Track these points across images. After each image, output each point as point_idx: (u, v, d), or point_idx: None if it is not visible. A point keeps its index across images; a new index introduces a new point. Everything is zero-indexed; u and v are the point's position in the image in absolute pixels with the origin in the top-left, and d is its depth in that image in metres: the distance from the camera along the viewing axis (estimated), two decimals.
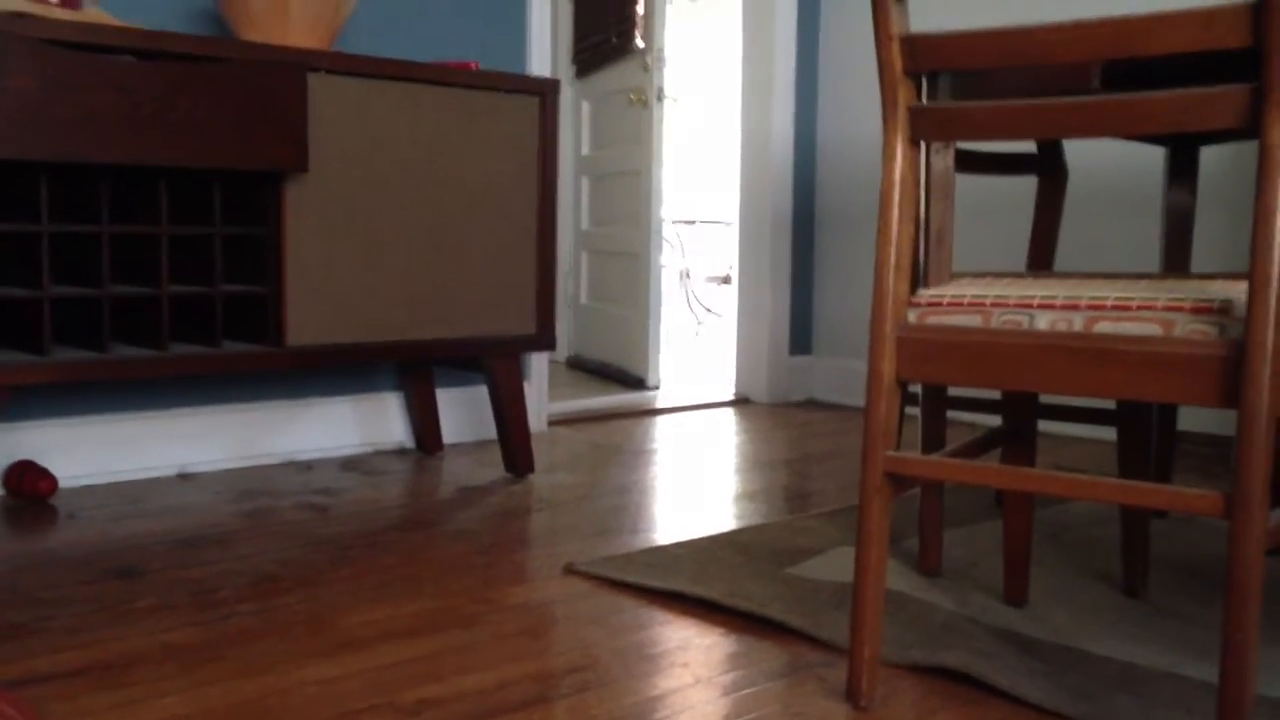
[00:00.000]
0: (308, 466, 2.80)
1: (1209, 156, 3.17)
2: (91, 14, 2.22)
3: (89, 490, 2.50)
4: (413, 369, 2.96)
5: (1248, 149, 3.10)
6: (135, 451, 2.63)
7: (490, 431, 3.23)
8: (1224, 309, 1.24)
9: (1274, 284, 1.17)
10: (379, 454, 2.97)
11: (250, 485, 2.58)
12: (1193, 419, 3.23)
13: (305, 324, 2.35)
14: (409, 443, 3.07)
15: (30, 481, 2.38)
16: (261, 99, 2.20)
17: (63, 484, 2.53)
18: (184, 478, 2.65)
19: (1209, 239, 3.18)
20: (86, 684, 1.46)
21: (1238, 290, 1.29)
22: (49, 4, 2.16)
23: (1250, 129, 1.19)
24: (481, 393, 3.20)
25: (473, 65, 2.61)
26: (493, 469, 2.82)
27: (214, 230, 2.26)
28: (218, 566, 1.97)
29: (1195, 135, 2.23)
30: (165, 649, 1.58)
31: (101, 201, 2.14)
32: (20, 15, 1.98)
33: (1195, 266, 3.20)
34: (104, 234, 2.14)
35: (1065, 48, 1.28)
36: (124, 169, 2.17)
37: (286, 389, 2.87)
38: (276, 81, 2.22)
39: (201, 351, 2.24)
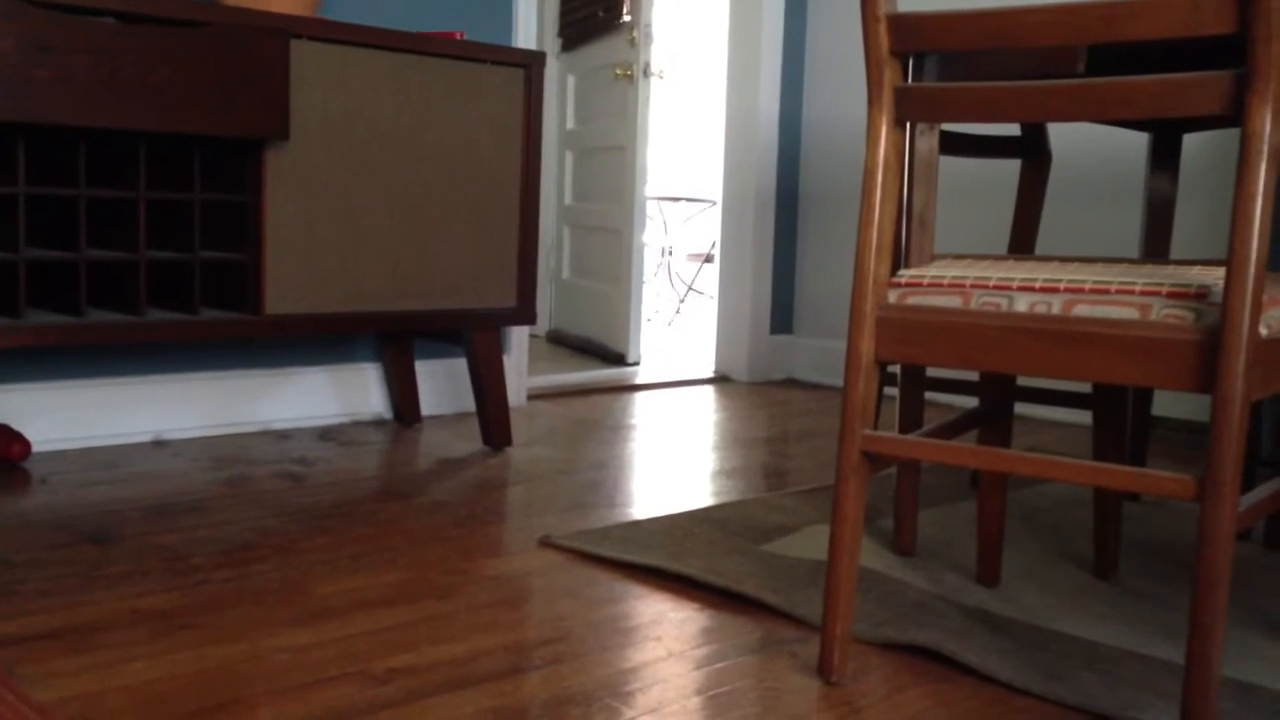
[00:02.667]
0: (284, 436, 2.79)
1: (1191, 144, 3.18)
2: None
3: (62, 455, 2.49)
4: (392, 340, 2.95)
5: (1229, 137, 3.11)
6: (110, 417, 2.62)
7: (469, 404, 3.22)
8: (1201, 294, 1.25)
9: (1251, 271, 1.17)
10: (356, 424, 2.96)
11: (226, 453, 2.57)
12: (1168, 404, 3.25)
13: (284, 293, 2.34)
14: (387, 414, 3.07)
15: (3, 445, 2.37)
16: (243, 65, 2.18)
17: (36, 448, 2.51)
18: (159, 444, 2.64)
19: (1189, 226, 3.19)
20: (57, 648, 1.45)
21: (1215, 276, 1.30)
22: None
23: (1233, 116, 1.19)
24: (461, 365, 3.20)
25: (458, 35, 2.60)
26: (470, 442, 2.81)
27: (193, 196, 2.24)
28: (192, 533, 1.96)
29: (1178, 122, 2.24)
30: (136, 614, 1.58)
31: (79, 165, 2.12)
32: None
33: (1175, 253, 3.21)
34: (81, 198, 2.12)
35: (1050, 30, 1.28)
36: (102, 133, 2.15)
37: (264, 357, 2.86)
38: (259, 47, 2.20)
39: (179, 318, 2.22)
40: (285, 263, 2.33)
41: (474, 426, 3.00)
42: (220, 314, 2.30)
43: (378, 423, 3.00)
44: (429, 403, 3.14)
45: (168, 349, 2.71)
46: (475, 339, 2.67)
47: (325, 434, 2.83)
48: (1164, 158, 2.24)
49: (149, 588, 1.69)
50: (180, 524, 2.02)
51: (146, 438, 2.67)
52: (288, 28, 2.25)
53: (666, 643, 1.56)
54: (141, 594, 1.66)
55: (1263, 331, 1.23)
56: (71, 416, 2.56)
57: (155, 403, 2.68)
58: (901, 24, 1.38)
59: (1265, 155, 1.17)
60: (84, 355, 2.59)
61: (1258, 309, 1.18)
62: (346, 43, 2.35)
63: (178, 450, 2.59)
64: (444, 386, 3.17)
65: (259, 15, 2.21)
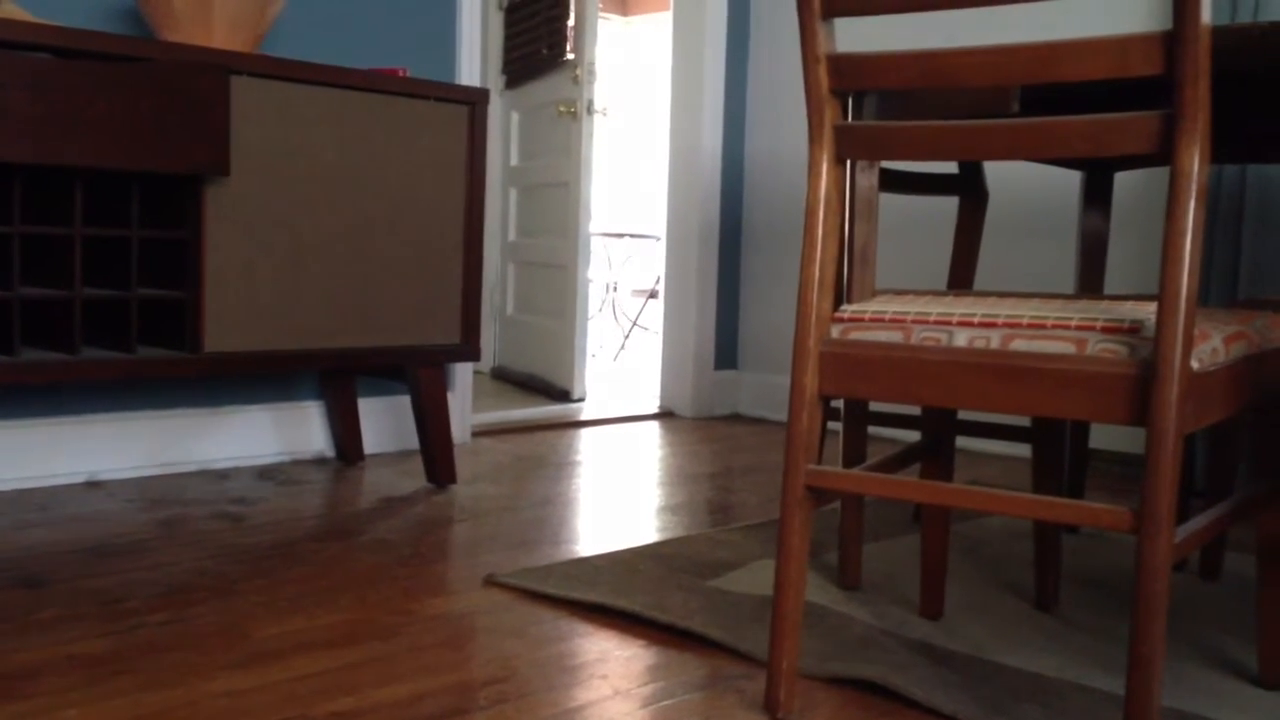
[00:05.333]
0: (223, 475, 2.74)
1: (1123, 182, 3.25)
2: (7, 9, 2.17)
3: None
4: (334, 377, 2.92)
5: (1159, 175, 3.18)
6: (44, 458, 2.56)
7: (412, 442, 3.20)
8: (1134, 329, 1.28)
9: (1182, 305, 1.20)
10: (298, 463, 2.93)
11: (163, 494, 2.53)
12: (1105, 437, 3.30)
13: (224, 330, 2.31)
14: (329, 452, 3.03)
15: None
16: (182, 101, 2.16)
17: None
18: (94, 485, 2.58)
19: (1122, 261, 3.26)
20: None
21: (1148, 311, 1.32)
22: None
23: (1162, 155, 1.22)
24: (404, 402, 3.17)
25: (402, 72, 2.60)
26: (414, 479, 2.79)
27: (130, 233, 2.21)
28: (127, 576, 1.92)
29: (1110, 160, 2.29)
30: (70, 660, 1.54)
31: (13, 201, 2.08)
32: None
33: (1108, 288, 3.28)
34: (15, 234, 2.08)
35: (985, 71, 1.30)
36: (37, 168, 2.12)
37: (203, 396, 2.82)
38: (198, 83, 2.18)
39: (115, 357, 2.19)
40: (225, 300, 2.30)
41: (418, 464, 2.98)
42: (158, 352, 2.26)
43: (319, 461, 2.96)
44: (372, 440, 3.11)
45: (104, 388, 2.67)
46: (419, 376, 2.65)
47: (265, 473, 2.79)
48: (1096, 195, 2.29)
49: (83, 632, 1.65)
50: (115, 566, 1.97)
51: (81, 479, 2.62)
52: (228, 64, 2.24)
53: (612, 681, 1.55)
54: (76, 639, 1.62)
55: (1194, 365, 1.26)
56: (3, 457, 2.50)
57: (90, 443, 2.62)
58: (841, 64, 1.40)
59: (1194, 193, 1.20)
60: (16, 394, 2.54)
61: (1189, 343, 1.21)
62: (288, 79, 2.34)
63: (113, 491, 2.54)
64: (387, 424, 3.15)
65: (198, 51, 2.20)
